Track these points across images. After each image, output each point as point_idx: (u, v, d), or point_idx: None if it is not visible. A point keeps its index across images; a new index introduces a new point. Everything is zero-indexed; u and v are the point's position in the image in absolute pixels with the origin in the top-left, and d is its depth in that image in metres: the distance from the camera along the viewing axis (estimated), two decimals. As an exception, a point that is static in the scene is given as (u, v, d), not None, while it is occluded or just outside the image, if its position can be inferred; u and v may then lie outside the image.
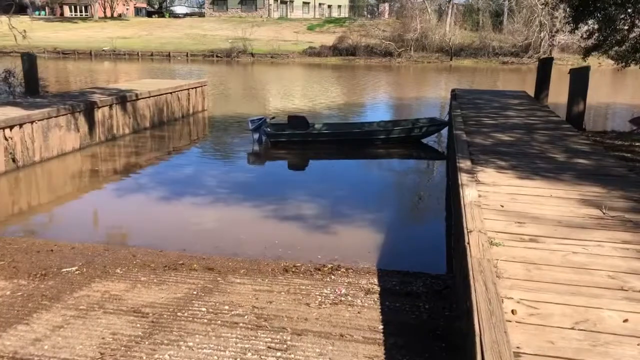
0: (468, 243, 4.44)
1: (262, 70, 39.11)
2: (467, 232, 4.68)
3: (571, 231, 4.76)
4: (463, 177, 6.35)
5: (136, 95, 14.04)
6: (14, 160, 10.33)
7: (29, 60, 13.67)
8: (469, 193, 5.74)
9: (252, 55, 45.97)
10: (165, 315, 4.75)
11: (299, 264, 6.25)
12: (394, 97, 25.61)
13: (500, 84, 31.96)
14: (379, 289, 5.53)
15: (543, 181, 6.38)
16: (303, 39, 51.74)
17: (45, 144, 11.10)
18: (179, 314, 4.79)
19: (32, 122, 10.67)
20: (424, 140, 13.47)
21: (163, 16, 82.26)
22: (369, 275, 5.98)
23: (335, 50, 46.48)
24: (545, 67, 15.16)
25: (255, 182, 10.03)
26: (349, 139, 13.01)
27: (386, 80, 33.31)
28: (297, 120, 13.10)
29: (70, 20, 72.28)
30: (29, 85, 13.83)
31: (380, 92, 27.04)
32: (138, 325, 4.55)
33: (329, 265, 6.21)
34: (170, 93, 15.74)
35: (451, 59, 44.57)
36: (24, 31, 15.21)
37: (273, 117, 13.82)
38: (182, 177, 10.33)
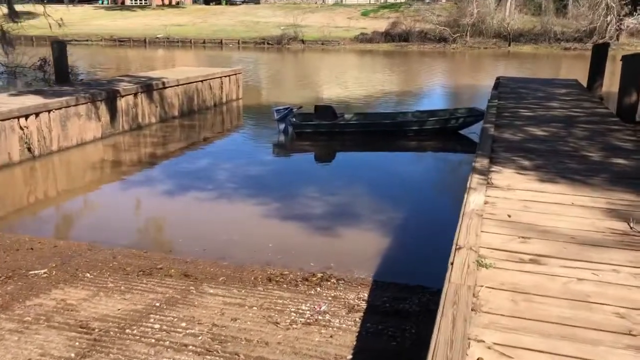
0: (451, 263, 3.74)
1: (311, 57, 38.51)
2: (455, 248, 3.98)
3: (584, 250, 3.98)
4: (473, 179, 5.59)
5: (163, 83, 13.72)
6: (29, 149, 10.15)
7: (59, 48, 13.56)
8: (473, 199, 4.99)
9: (303, 42, 45.35)
10: (111, 332, 4.26)
11: (286, 272, 5.67)
12: (446, 85, 24.50)
13: (560, 71, 30.24)
14: (365, 306, 4.89)
15: (567, 185, 5.54)
16: (355, 25, 50.73)
17: (63, 133, 10.89)
18: (127, 330, 4.29)
19: (49, 111, 10.46)
20: (463, 132, 12.58)
21: (220, 3, 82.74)
22: (361, 287, 5.34)
23: (388, 36, 45.26)
24: (599, 54, 13.93)
25: (268, 177, 9.48)
26: (379, 130, 12.27)
27: (440, 67, 32.08)
28: (324, 110, 12.46)
29: (129, 8, 73.69)
30: (59, 74, 13.74)
31: (432, 80, 25.94)
32: (76, 344, 4.08)
33: (319, 275, 5.60)
34: (201, 81, 15.37)
35: (509, 45, 42.62)
36: (61, 19, 15.08)
37: (300, 107, 13.22)
38: (194, 170, 9.90)
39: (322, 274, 5.62)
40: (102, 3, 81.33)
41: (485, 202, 4.98)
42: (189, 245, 6.48)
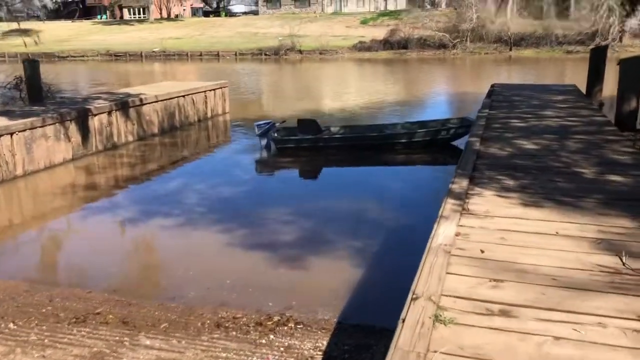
0: (403, 320, 3.09)
1: (308, 67, 37.96)
2: (411, 298, 3.33)
3: (566, 297, 3.32)
4: (447, 205, 4.95)
5: (140, 100, 13.15)
6: (-10, 175, 9.59)
7: (31, 66, 13.03)
8: (443, 231, 4.34)
9: (300, 52, 44.85)
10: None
11: (239, 315, 5.03)
12: (444, 93, 23.79)
13: (562, 75, 29.57)
14: (320, 359, 4.24)
15: (553, 210, 4.87)
16: (354, 33, 50.21)
17: (29, 157, 10.31)
18: (31, 401, 3.67)
19: (11, 134, 9.90)
20: (457, 143, 11.92)
21: (219, 15, 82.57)
22: (321, 333, 4.68)
23: (387, 43, 44.69)
24: (598, 57, 13.24)
25: (241, 199, 8.82)
26: (365, 144, 11.63)
27: (439, 74, 31.43)
28: (307, 124, 11.84)
29: (127, 22, 73.57)
30: (32, 93, 13.19)
31: (431, 88, 25.27)
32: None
33: (276, 319, 4.95)
34: (183, 96, 14.79)
35: (510, 50, 41.97)
36: (37, 36, 14.55)
37: (284, 121, 12.60)
38: (163, 193, 9.26)
39: (279, 317, 4.97)
40: (101, 18, 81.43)
41: (457, 234, 4.33)
42: (139, 282, 5.86)
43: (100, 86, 24.70)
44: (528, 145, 7.48)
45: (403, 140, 11.70)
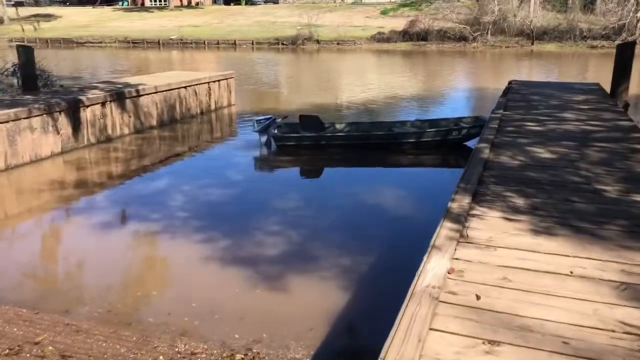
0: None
1: (325, 57, 37.14)
2: (380, 369, 2.62)
3: (578, 372, 2.59)
4: (442, 231, 4.20)
5: (137, 91, 12.51)
6: (-32, 169, 9.03)
7: (25, 53, 12.42)
8: (433, 267, 3.61)
9: (318, 42, 43.96)
10: None
11: (199, 350, 4.36)
12: (463, 88, 22.86)
13: (585, 70, 28.43)
14: (280, 416, 3.55)
15: (569, 240, 4.11)
16: (373, 24, 49.16)
17: (11, 149, 9.74)
18: None
19: (-8, 125, 9.33)
20: (470, 143, 11.10)
21: (239, 3, 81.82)
22: (288, 378, 3.99)
23: (406, 35, 43.60)
24: (624, 54, 12.29)
25: (228, 203, 8.13)
26: (370, 143, 10.87)
27: (458, 67, 30.37)
28: (309, 120, 11.11)
29: (147, 9, 73.27)
30: (26, 81, 12.62)
31: (448, 82, 24.32)
32: None
33: (238, 357, 4.27)
34: (185, 87, 14.13)
35: (532, 43, 40.66)
36: (38, 22, 13.98)
37: (286, 116, 11.89)
38: (147, 194, 8.61)
39: (244, 355, 4.29)
40: (122, 5, 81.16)
41: (450, 271, 3.60)
42: (97, 302, 5.20)
43: (110, 74, 24.16)
44: (543, 153, 6.69)
45: (410, 140, 10.92)
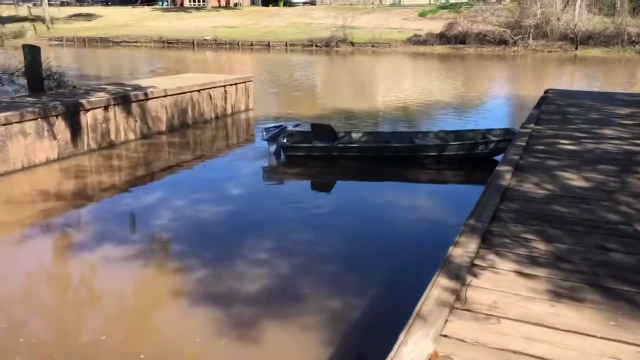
0: None
1: (358, 60, 36.20)
2: None
3: None
4: (434, 290, 3.29)
5: (145, 94, 11.86)
6: (-47, 176, 8.46)
7: (31, 53, 11.91)
8: (409, 351, 2.70)
9: (352, 44, 43.05)
10: None
11: None
12: (500, 95, 21.61)
13: (634, 77, 26.82)
14: None
15: (600, 310, 3.14)
16: (410, 26, 47.97)
17: (2, 155, 9.17)
18: None
19: (-21, 130, 8.76)
20: (499, 158, 10.07)
21: (277, 5, 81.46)
22: None
23: (443, 38, 42.32)
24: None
25: (218, 223, 7.29)
26: (386, 156, 9.95)
27: (497, 72, 29.02)
28: (321, 130, 10.26)
29: (185, 10, 73.56)
30: (32, 82, 12.10)
31: (486, 88, 23.17)
32: None
33: None
34: (198, 91, 13.44)
35: (576, 48, 38.88)
36: (52, 21, 13.47)
37: (298, 124, 11.06)
38: (134, 208, 7.86)
39: None
40: (162, 5, 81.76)
41: (432, 359, 2.68)
42: (40, 346, 4.45)
43: (132, 75, 23.76)
44: (576, 180, 5.67)
45: (431, 154, 9.97)
